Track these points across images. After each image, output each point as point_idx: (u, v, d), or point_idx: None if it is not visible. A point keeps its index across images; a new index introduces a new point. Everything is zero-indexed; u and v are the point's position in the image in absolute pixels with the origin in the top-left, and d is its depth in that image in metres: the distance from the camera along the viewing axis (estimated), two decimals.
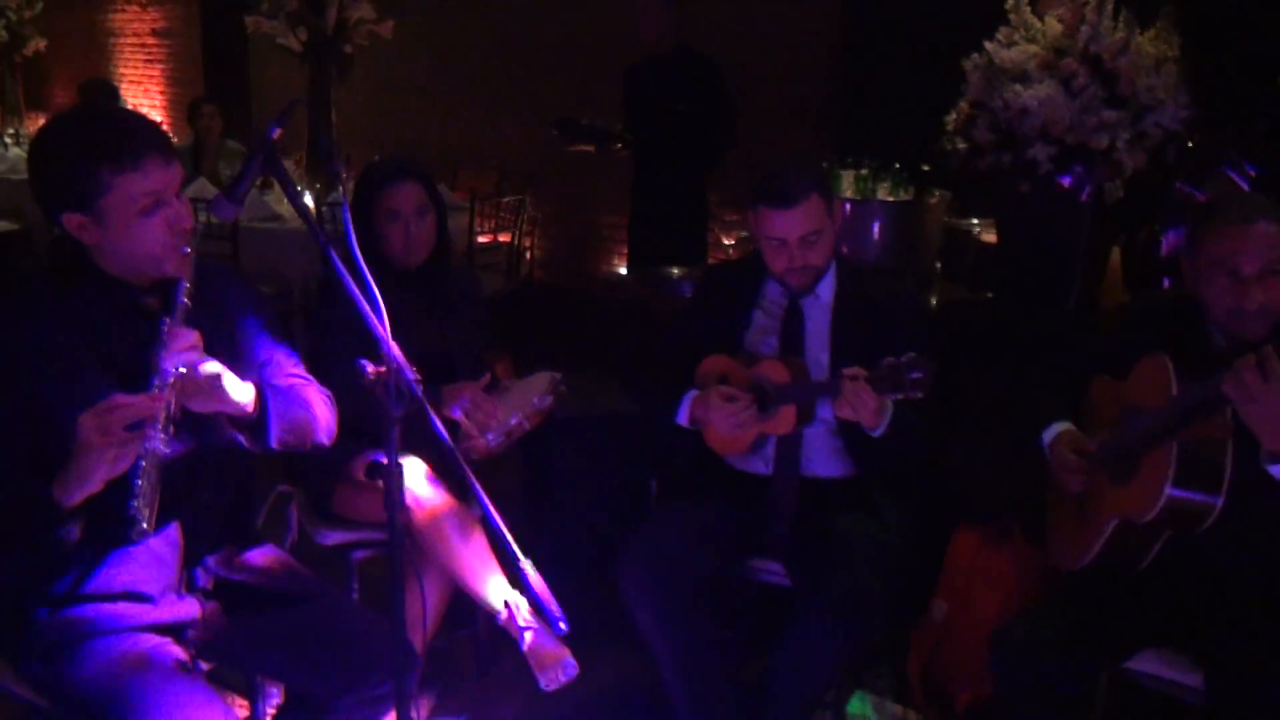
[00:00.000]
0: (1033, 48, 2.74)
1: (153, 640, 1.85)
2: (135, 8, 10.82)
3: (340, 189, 5.60)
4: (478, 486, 1.59)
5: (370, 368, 1.63)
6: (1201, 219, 2.18)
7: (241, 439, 1.93)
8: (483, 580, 2.46)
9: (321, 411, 2.07)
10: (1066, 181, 2.70)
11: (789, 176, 2.43)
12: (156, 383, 1.67)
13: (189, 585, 1.92)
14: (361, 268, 1.68)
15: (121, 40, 11.23)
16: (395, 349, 1.65)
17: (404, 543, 1.68)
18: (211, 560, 1.97)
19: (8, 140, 8.33)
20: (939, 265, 3.64)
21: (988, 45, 2.81)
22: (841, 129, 5.04)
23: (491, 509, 1.57)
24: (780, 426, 2.43)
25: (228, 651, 1.94)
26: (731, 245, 4.00)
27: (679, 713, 2.42)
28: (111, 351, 1.82)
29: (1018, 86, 2.68)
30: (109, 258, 1.83)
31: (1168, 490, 1.98)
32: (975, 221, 3.57)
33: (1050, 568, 2.61)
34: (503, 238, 6.09)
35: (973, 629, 2.82)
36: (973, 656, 2.81)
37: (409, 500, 2.40)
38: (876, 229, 3.32)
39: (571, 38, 6.66)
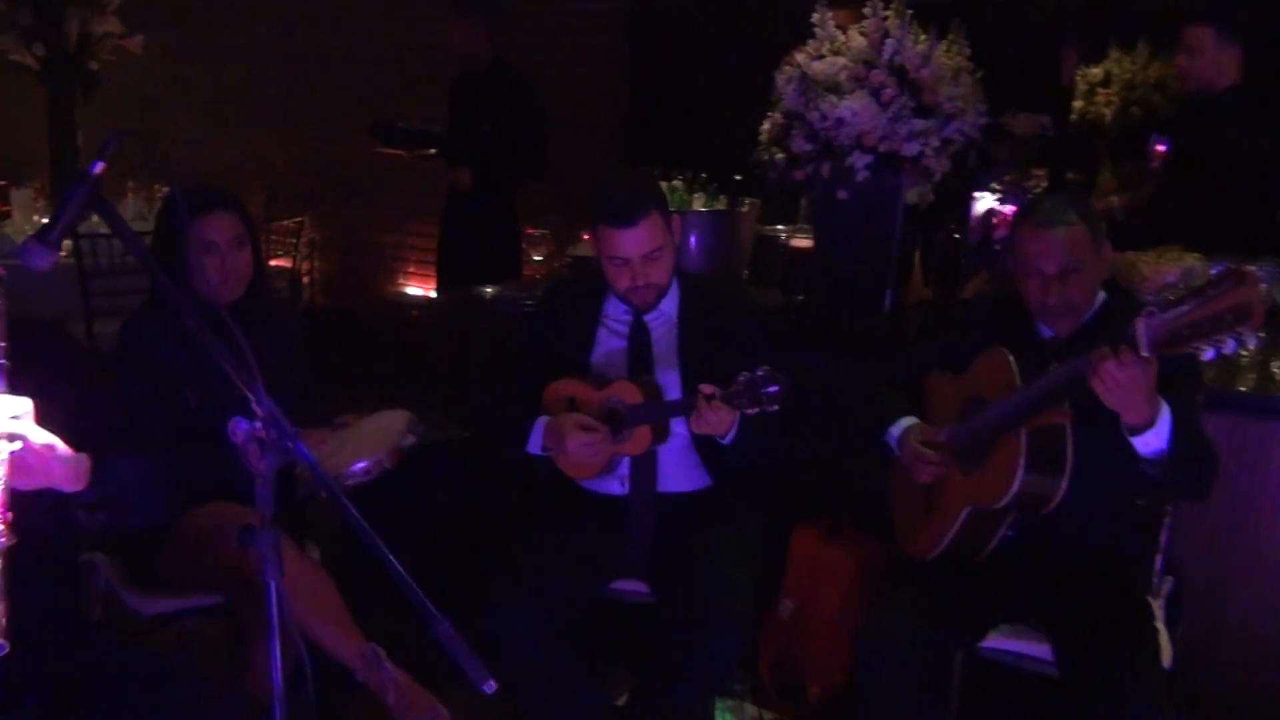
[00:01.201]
0: (842, 60, 2.85)
1: None
2: None
3: (94, 216, 5.17)
4: (378, 540, 1.47)
5: (244, 425, 1.47)
6: (1016, 222, 2.34)
7: (79, 518, 1.71)
8: (336, 634, 2.30)
9: (156, 477, 1.87)
10: (882, 189, 2.83)
11: (628, 195, 2.40)
12: None
13: (20, 699, 1.68)
14: (222, 313, 1.53)
15: None
16: (269, 400, 1.50)
17: (284, 612, 1.54)
18: (43, 662, 1.73)
19: None
20: (746, 272, 3.74)
21: (798, 57, 2.90)
22: (632, 142, 5.09)
23: (397, 565, 1.45)
24: (635, 448, 2.41)
25: None
26: (540, 260, 3.95)
27: None
28: None
29: (833, 97, 2.78)
30: None
31: (1020, 475, 2.10)
32: (782, 228, 3.69)
33: (892, 558, 2.73)
34: (274, 263, 5.78)
35: (818, 623, 2.91)
36: (820, 650, 2.90)
37: (252, 556, 2.21)
38: (693, 239, 3.36)
39: (340, 52, 6.40)
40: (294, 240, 5.59)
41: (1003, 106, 3.12)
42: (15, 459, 1.50)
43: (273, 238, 5.80)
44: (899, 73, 2.79)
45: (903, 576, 2.41)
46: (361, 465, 2.38)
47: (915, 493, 2.44)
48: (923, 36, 2.85)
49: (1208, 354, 1.76)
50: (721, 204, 3.40)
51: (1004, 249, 2.36)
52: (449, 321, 3.79)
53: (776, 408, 2.19)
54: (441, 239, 5.00)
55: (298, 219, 5.60)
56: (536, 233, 3.94)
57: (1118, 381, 1.86)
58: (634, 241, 2.38)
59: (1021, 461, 2.10)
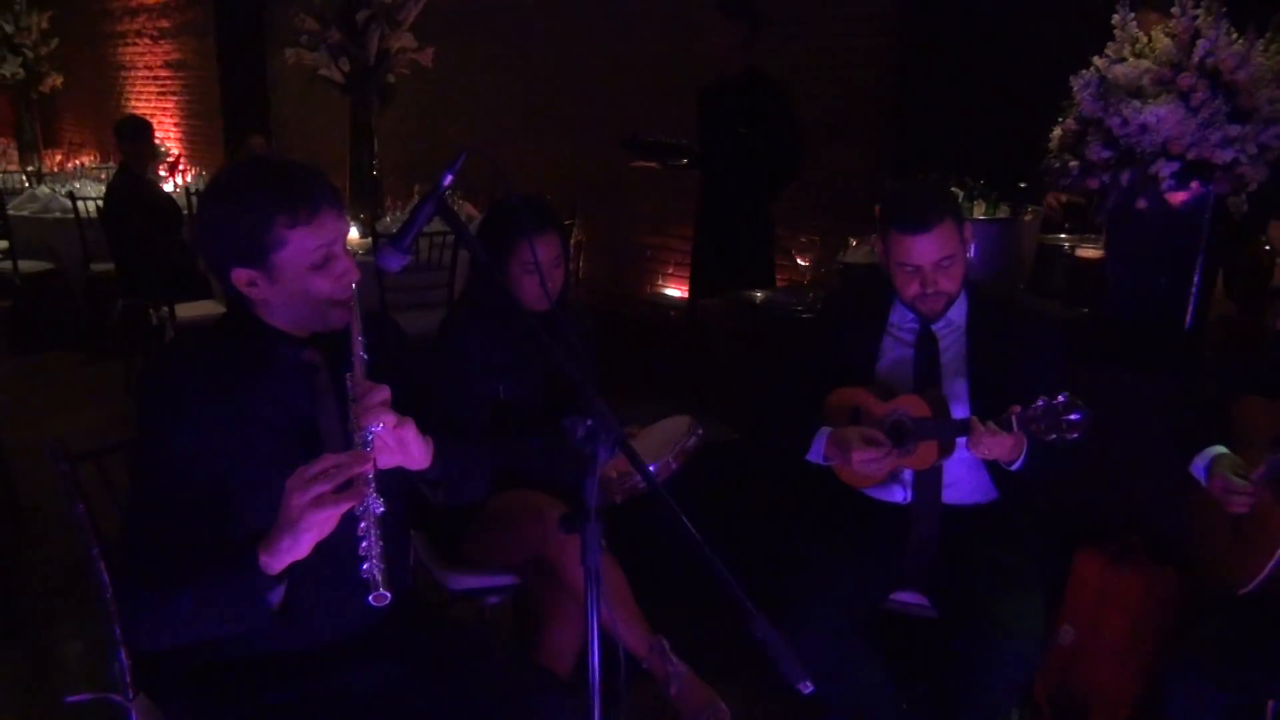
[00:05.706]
0: (1145, 63, 2.72)
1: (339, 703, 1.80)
2: (147, 41, 10.79)
3: (387, 218, 5.61)
4: (697, 535, 1.54)
5: (582, 422, 1.57)
6: None
7: (424, 494, 1.88)
8: (625, 621, 2.41)
9: (483, 461, 2.02)
10: (1188, 197, 2.67)
11: (922, 200, 2.39)
12: (359, 441, 1.62)
13: (370, 643, 1.86)
14: (560, 316, 1.64)
15: (133, 74, 11.19)
16: (600, 402, 1.58)
17: (598, 602, 1.61)
18: (384, 615, 1.91)
19: (29, 177, 8.29)
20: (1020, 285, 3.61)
21: (1097, 61, 2.78)
22: (904, 148, 5.02)
23: (718, 560, 1.51)
24: (920, 462, 2.38)
25: (407, 712, 1.89)
26: (806, 266, 3.96)
27: None
28: (287, 408, 1.77)
29: (1136, 103, 2.65)
30: (274, 311, 1.78)
31: None
32: (1064, 237, 3.55)
33: (1188, 589, 2.58)
34: None
35: (1103, 653, 2.78)
36: (1105, 681, 2.77)
37: (555, 542, 2.36)
38: (973, 249, 3.27)
39: (611, 61, 6.65)
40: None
41: None
42: (378, 439, 1.67)
43: None
44: (1212, 75, 2.62)
45: (1211, 612, 2.27)
46: (651, 468, 2.47)
47: (1224, 524, 2.30)
48: (1236, 36, 2.67)
49: None
50: (1004, 212, 3.30)
51: None
52: (717, 323, 3.85)
53: (1076, 436, 2.12)
54: (696, 243, 5.11)
55: (568, 221, 5.85)
56: (805, 239, 3.95)
57: None
58: (926, 248, 2.37)
59: None
